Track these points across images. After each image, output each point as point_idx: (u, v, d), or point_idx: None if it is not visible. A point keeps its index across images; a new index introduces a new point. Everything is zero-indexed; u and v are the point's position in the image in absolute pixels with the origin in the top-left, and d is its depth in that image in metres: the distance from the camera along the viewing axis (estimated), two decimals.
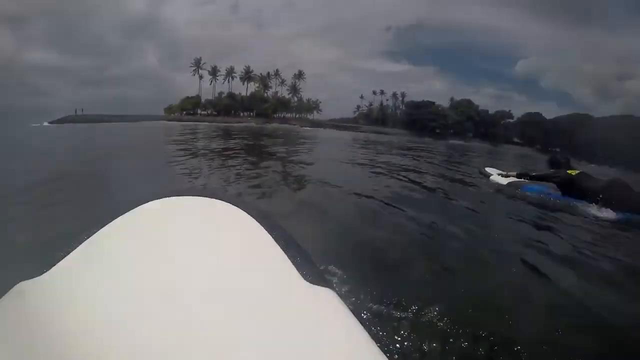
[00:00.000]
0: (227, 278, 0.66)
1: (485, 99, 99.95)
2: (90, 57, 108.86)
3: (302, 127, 50.69)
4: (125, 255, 0.73)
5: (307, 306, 0.61)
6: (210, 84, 68.05)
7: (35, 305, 0.62)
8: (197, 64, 68.39)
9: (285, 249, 0.71)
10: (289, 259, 0.69)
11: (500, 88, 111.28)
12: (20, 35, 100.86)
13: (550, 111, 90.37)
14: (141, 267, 0.69)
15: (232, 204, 0.84)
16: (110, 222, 0.79)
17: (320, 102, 72.81)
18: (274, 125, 50.52)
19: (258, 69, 71.50)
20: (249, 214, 0.81)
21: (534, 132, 76.28)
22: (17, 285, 0.66)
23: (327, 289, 0.64)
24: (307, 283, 0.64)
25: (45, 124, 52.75)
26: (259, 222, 0.79)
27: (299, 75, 72.43)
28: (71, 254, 0.72)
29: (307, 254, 0.75)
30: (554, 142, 71.85)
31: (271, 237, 0.74)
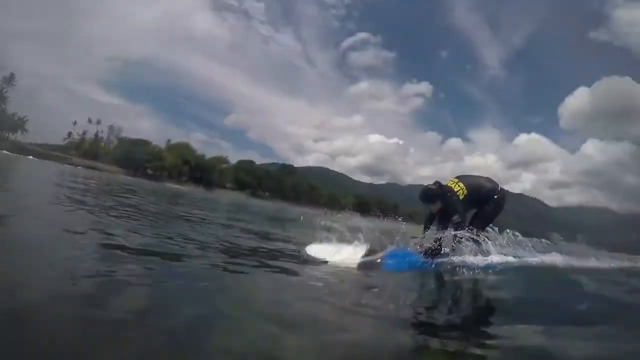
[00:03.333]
0: None
1: (195, 143, 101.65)
2: None
3: None
4: None
5: None
6: None
7: None
8: None
9: None
10: None
11: (210, 135, 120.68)
12: None
13: (254, 160, 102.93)
14: None
15: None
16: None
17: (27, 120, 55.87)
18: None
19: None
20: None
21: (247, 177, 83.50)
22: None
23: None
24: None
25: None
26: None
27: (10, 78, 49.04)
28: None
29: None
30: (264, 186, 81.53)
31: None
